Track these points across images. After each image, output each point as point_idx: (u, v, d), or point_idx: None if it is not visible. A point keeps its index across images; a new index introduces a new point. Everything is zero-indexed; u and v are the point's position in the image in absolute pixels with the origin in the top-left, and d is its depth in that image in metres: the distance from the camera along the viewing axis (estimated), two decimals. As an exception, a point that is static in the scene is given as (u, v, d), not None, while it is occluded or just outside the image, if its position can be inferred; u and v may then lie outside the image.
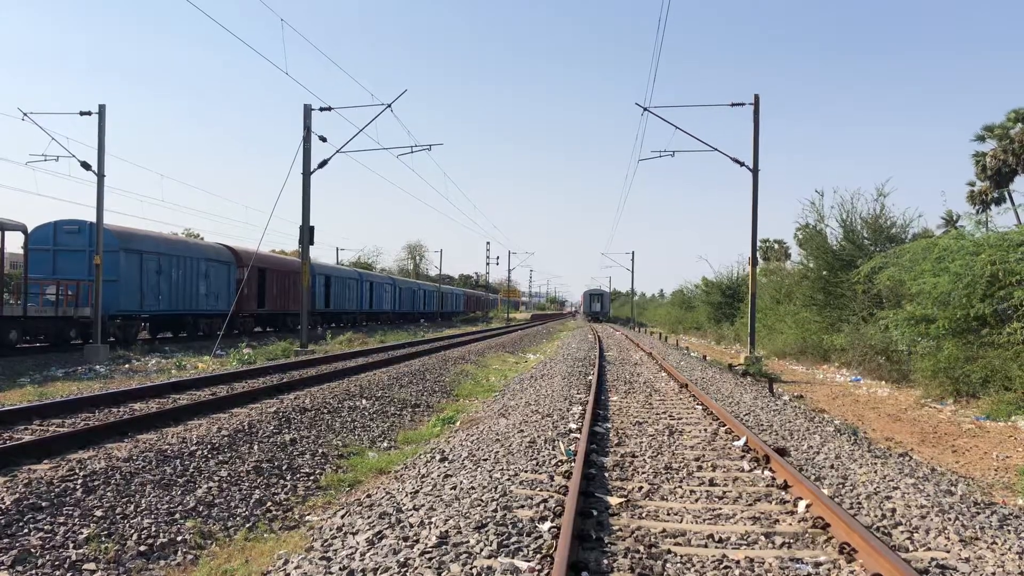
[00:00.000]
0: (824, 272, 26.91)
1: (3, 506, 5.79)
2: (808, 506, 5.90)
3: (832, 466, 7.69)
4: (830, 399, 16.21)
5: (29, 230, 21.31)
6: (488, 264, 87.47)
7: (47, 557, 5.16)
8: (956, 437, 11.39)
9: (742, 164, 23.42)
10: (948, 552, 5.07)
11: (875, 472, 7.38)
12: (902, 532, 5.48)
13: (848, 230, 26.57)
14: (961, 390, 14.78)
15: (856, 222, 26.46)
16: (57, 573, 4.99)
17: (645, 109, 23.62)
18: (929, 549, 5.15)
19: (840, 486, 6.84)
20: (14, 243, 21.92)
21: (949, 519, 5.74)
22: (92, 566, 5.16)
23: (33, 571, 4.97)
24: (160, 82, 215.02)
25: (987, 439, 11.15)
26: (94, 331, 21.30)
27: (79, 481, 6.57)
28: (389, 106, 24.34)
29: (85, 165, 21.96)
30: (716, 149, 24.51)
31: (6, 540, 5.31)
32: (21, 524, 5.60)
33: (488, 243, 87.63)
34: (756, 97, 23.36)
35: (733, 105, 23.52)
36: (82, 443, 8.31)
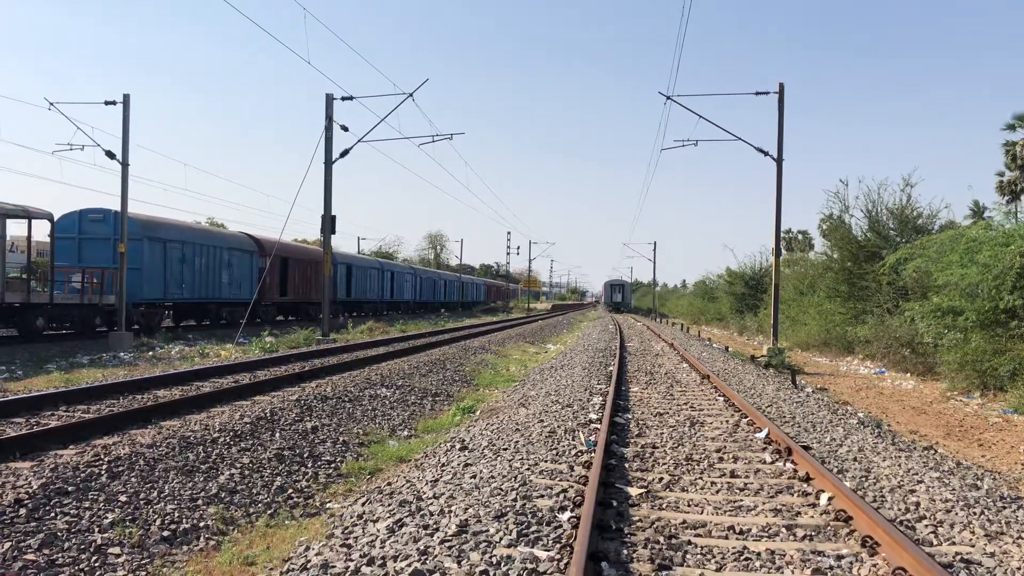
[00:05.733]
0: (848, 263, 26.64)
1: (31, 490, 5.89)
2: (831, 499, 5.86)
3: (855, 459, 7.63)
4: (854, 391, 16.07)
5: (55, 218, 21.58)
6: (508, 254, 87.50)
7: (73, 541, 5.25)
8: (982, 431, 11.26)
9: (766, 154, 23.21)
10: (973, 547, 5.01)
11: (899, 465, 7.32)
12: (926, 526, 5.43)
13: (873, 220, 26.27)
14: (988, 383, 14.60)
15: (882, 212, 26.17)
16: (83, 557, 5.07)
17: (668, 98, 23.45)
18: (954, 543, 5.10)
19: (863, 479, 6.79)
20: (41, 231, 22.20)
21: (974, 513, 5.68)
22: (117, 550, 5.23)
23: (59, 554, 5.05)
24: (183, 72, 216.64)
25: (1014, 433, 11.01)
26: (118, 319, 21.56)
27: (104, 467, 6.66)
28: (411, 95, 24.34)
29: (110, 154, 22.19)
30: (740, 139, 24.31)
31: (33, 524, 5.40)
32: (48, 508, 5.69)
33: (509, 233, 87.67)
34: (781, 86, 23.12)
35: (758, 94, 23.31)
36: (107, 429, 8.42)
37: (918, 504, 5.95)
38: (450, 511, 5.60)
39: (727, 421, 9.76)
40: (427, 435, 10.02)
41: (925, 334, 17.62)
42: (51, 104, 21.70)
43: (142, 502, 6.10)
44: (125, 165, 22.26)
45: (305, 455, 8.22)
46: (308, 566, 4.77)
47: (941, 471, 7.24)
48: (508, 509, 5.55)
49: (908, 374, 19.12)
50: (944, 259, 16.77)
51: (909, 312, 18.52)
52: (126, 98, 22.17)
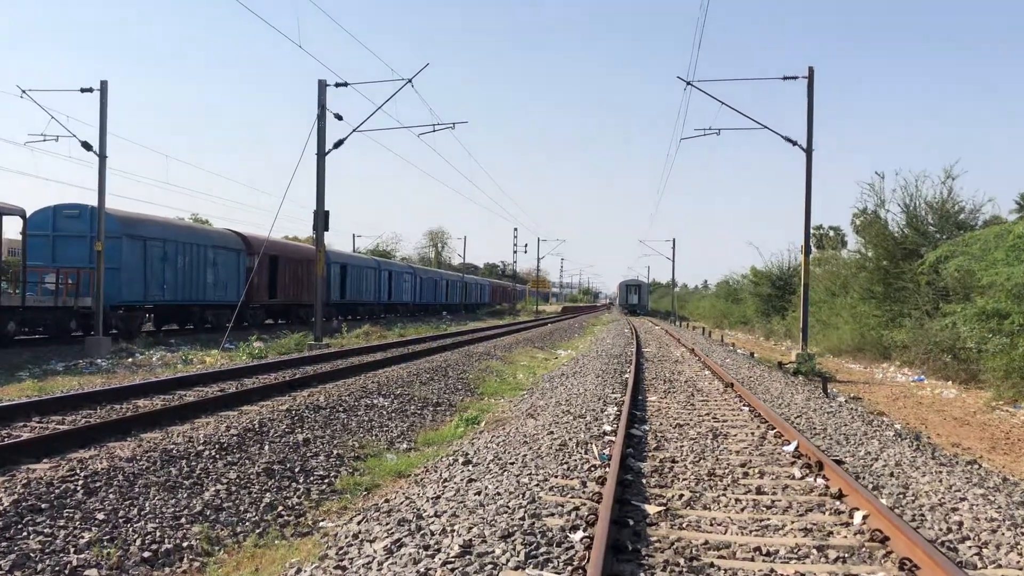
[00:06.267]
0: (884, 262, 26.58)
1: (1, 508, 5.91)
2: (865, 517, 5.84)
3: (892, 474, 7.61)
4: (890, 401, 16.03)
5: (28, 215, 21.68)
6: (515, 252, 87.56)
7: (47, 562, 5.27)
8: (1031, 444, 11.20)
9: (795, 143, 23.17)
10: (1021, 569, 4.99)
11: (940, 481, 7.29)
12: (969, 547, 5.41)
13: (911, 216, 26.18)
14: (1037, 392, 14.55)
15: (920, 207, 26.08)
16: (57, 579, 5.09)
17: (688, 83, 23.44)
18: (1000, 566, 5.08)
19: (901, 496, 6.77)
20: (12, 228, 22.33)
21: (1023, 533, 5.66)
22: (94, 572, 5.25)
23: (32, 576, 5.07)
24: (164, 57, 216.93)
25: (1065, 446, 10.96)
26: (95, 322, 21.66)
27: (80, 482, 6.69)
28: (410, 81, 24.38)
29: (86, 145, 22.29)
30: (766, 127, 24.25)
31: (4, 543, 5.43)
32: (20, 527, 5.72)
33: (516, 229, 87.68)
34: (810, 70, 23.06)
35: (785, 79, 23.27)
36: (83, 441, 8.46)
37: (961, 523, 5.93)
38: (453, 530, 5.60)
39: (752, 433, 9.74)
40: (428, 448, 10.03)
41: (968, 339, 17.54)
42: (23, 92, 21.83)
43: (121, 520, 6.11)
44: (102, 157, 22.36)
45: (296, 470, 8.24)
46: (300, 590, 4.78)
47: (986, 487, 7.21)
48: (515, 528, 5.55)
49: (949, 382, 19.05)
50: (988, 257, 16.70)
51: (950, 315, 18.45)
52: (103, 85, 22.26)
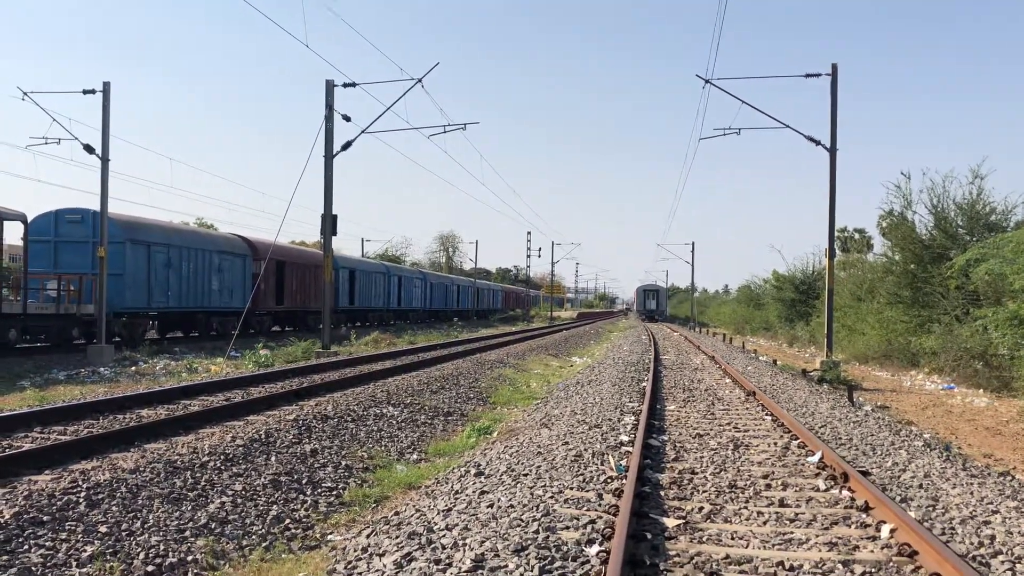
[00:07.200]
0: (912, 265, 26.44)
1: (2, 520, 5.96)
2: (893, 531, 5.81)
3: (921, 486, 7.56)
4: (919, 410, 15.93)
5: (29, 219, 21.83)
6: (529, 257, 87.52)
7: (49, 576, 5.30)
8: (1066, 454, 11.10)
9: (818, 143, 23.10)
10: (1056, 586, 4.95)
11: (971, 493, 7.24)
12: (1002, 563, 5.37)
13: (940, 217, 26.05)
14: (1073, 401, 14.42)
15: (949, 208, 25.94)
16: (59, 594, 5.12)
17: (707, 81, 23.41)
18: (1034, 582, 5.04)
19: (930, 509, 6.72)
20: (13, 234, 22.50)
21: (1057, 548, 5.61)
22: (96, 587, 5.28)
23: (34, 591, 5.10)
24: (168, 59, 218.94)
25: (1103, 457, 10.86)
26: (98, 330, 21.77)
27: (82, 494, 6.73)
28: (420, 81, 24.48)
29: (88, 148, 22.43)
30: (788, 126, 24.19)
31: (6, 557, 5.46)
32: (21, 540, 5.76)
33: (529, 233, 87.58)
34: (834, 67, 23.00)
35: (808, 76, 23.22)
36: (85, 452, 8.51)
37: (993, 537, 5.89)
38: (464, 544, 5.60)
39: (775, 443, 9.71)
40: (439, 459, 10.04)
41: (1000, 345, 17.42)
42: (25, 94, 22.00)
43: (124, 533, 6.15)
44: (105, 160, 22.50)
45: (304, 481, 8.26)
46: (307, 605, 4.79)
47: (1019, 500, 7.16)
48: (529, 542, 5.54)
49: (981, 390, 18.91)
50: (1021, 260, 16.60)
51: (981, 320, 18.33)
52: (106, 87, 22.41)
